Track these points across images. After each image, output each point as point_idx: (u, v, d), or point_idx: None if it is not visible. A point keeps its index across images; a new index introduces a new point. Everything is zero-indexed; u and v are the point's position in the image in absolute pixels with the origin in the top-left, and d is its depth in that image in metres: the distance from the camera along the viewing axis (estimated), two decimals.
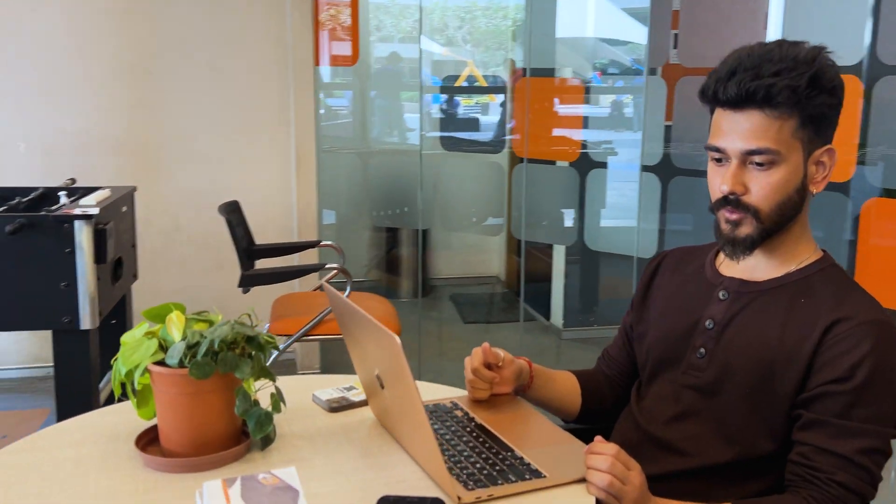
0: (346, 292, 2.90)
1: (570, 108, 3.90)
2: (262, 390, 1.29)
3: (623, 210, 3.87)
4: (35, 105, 3.54)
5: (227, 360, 1.16)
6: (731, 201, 1.27)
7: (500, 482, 1.13)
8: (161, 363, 1.18)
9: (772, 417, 1.26)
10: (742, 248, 1.29)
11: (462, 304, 4.97)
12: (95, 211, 2.47)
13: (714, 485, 1.30)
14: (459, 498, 1.09)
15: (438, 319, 4.75)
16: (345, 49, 3.94)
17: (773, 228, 1.29)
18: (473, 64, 5.59)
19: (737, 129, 1.24)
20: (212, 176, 3.75)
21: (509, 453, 1.22)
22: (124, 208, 2.90)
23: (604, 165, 3.95)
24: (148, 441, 1.24)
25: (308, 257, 3.74)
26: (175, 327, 1.20)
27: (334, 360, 3.98)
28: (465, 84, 5.48)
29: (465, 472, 1.16)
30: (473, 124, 5.47)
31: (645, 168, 3.45)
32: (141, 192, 3.62)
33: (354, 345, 1.31)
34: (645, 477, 1.15)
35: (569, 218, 3.84)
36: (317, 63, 3.82)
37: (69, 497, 1.11)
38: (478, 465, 1.18)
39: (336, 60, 3.98)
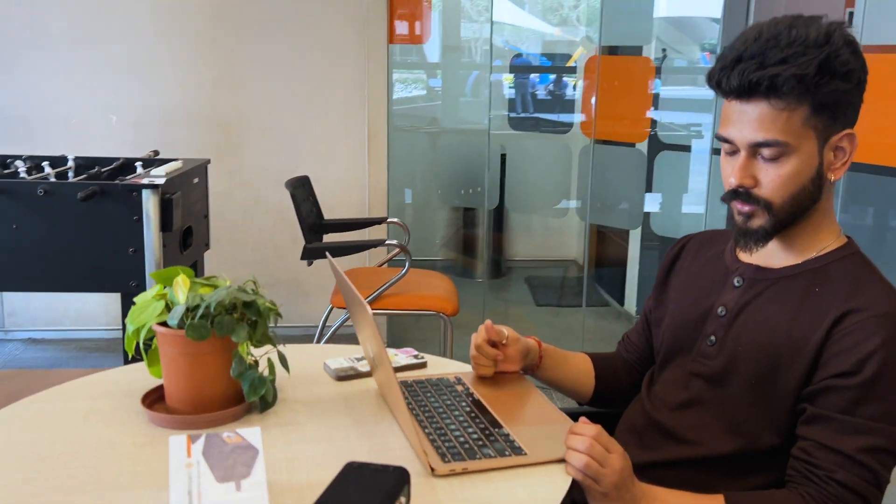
0: (405, 270, 2.93)
1: (651, 89, 3.80)
2: (267, 355, 1.33)
3: (694, 195, 3.76)
4: (126, 81, 3.71)
5: (224, 323, 1.20)
6: (741, 194, 1.23)
7: (478, 456, 1.13)
8: (164, 324, 1.23)
9: (776, 410, 1.21)
10: (755, 239, 1.25)
11: (536, 286, 4.94)
12: (161, 181, 2.58)
13: (716, 475, 1.26)
14: (433, 469, 1.10)
15: (510, 300, 4.74)
16: (417, 28, 3.96)
17: (787, 220, 1.23)
18: (586, 43, 5.48)
19: (744, 120, 1.18)
20: (289, 152, 3.85)
21: (497, 429, 1.22)
22: (196, 180, 3.01)
23: (679, 148, 3.84)
24: (155, 399, 1.30)
25: (378, 234, 3.80)
26: (180, 290, 1.25)
27: (401, 335, 4.04)
28: (573, 65, 5.40)
29: (446, 444, 1.16)
30: (552, 104, 5.41)
31: (716, 152, 3.34)
32: (221, 166, 3.76)
33: (354, 318, 1.33)
34: (629, 461, 1.13)
35: (639, 201, 3.76)
36: (391, 41, 3.86)
37: (71, 447, 1.17)
38: (461, 440, 1.18)
39: (408, 39, 4.01)
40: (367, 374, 1.44)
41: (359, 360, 1.49)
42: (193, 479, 0.91)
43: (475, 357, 1.41)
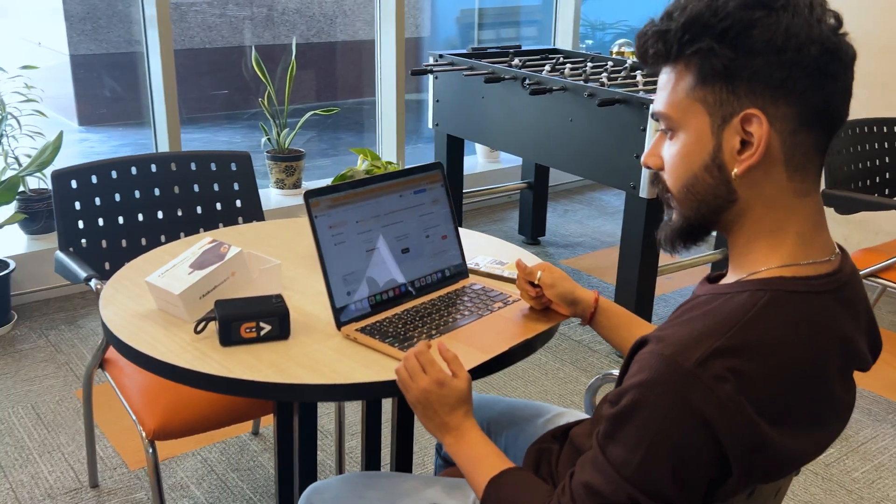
0: None
1: None
2: None
3: None
4: None
5: None
6: (659, 179, 1.06)
7: (376, 337, 1.36)
8: None
9: None
10: (663, 236, 1.06)
11: None
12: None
13: None
14: (340, 328, 1.39)
15: None
16: None
17: (693, 218, 1.02)
18: None
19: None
20: None
21: (428, 334, 1.38)
22: None
23: None
24: None
25: None
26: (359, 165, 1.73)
27: None
28: None
29: (384, 325, 1.41)
30: None
31: None
32: None
33: None
34: (451, 391, 1.19)
35: None
36: None
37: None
38: (396, 325, 1.41)
39: None
40: (509, 280, 1.65)
41: (501, 263, 1.71)
42: (182, 260, 1.48)
43: (518, 285, 1.49)
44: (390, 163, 1.70)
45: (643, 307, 3.03)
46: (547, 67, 3.40)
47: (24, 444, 2.45)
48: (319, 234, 1.38)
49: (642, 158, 1.07)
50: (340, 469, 2.19)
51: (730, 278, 1.03)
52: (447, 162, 3.72)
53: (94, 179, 2.13)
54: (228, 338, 1.35)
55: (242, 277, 1.50)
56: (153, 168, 2.23)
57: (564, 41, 4.96)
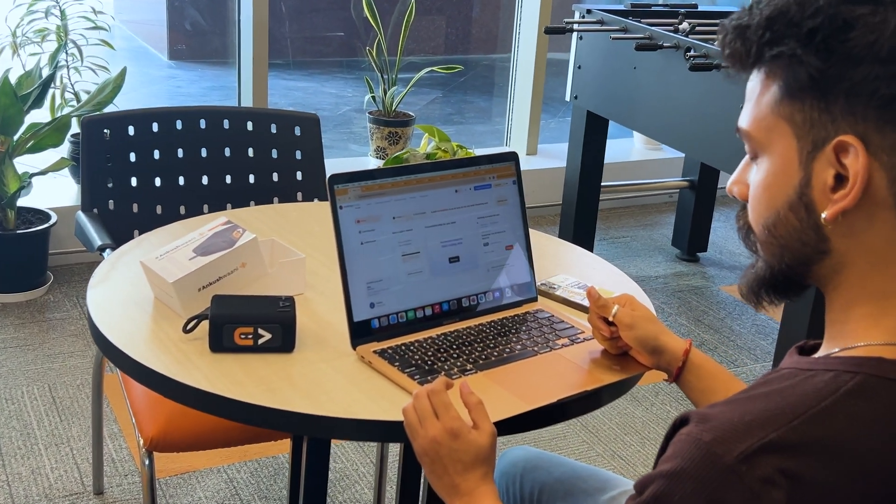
0: None
1: None
2: None
3: None
4: None
5: None
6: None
7: (395, 364, 1.37)
8: None
9: None
10: (745, 287, 1.03)
11: None
12: None
13: None
14: (356, 348, 1.41)
15: None
16: None
17: (777, 268, 0.98)
18: None
19: None
20: None
21: (461, 368, 1.37)
22: None
23: None
24: None
25: None
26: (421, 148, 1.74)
27: None
28: None
29: (410, 350, 1.42)
30: None
31: None
32: None
33: None
34: (468, 446, 1.18)
35: None
36: None
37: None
38: (424, 352, 1.41)
39: None
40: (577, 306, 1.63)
41: (580, 287, 1.68)
42: (188, 241, 1.53)
43: (590, 320, 1.46)
44: (462, 147, 1.70)
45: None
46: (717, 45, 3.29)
47: (31, 430, 2.62)
48: (343, 230, 1.41)
49: (727, 184, 1.03)
50: None
51: (822, 351, 0.98)
52: (584, 145, 3.67)
53: (130, 131, 2.25)
54: (219, 343, 1.39)
55: (255, 270, 1.54)
56: (202, 124, 2.32)
57: None
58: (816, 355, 0.98)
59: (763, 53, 0.92)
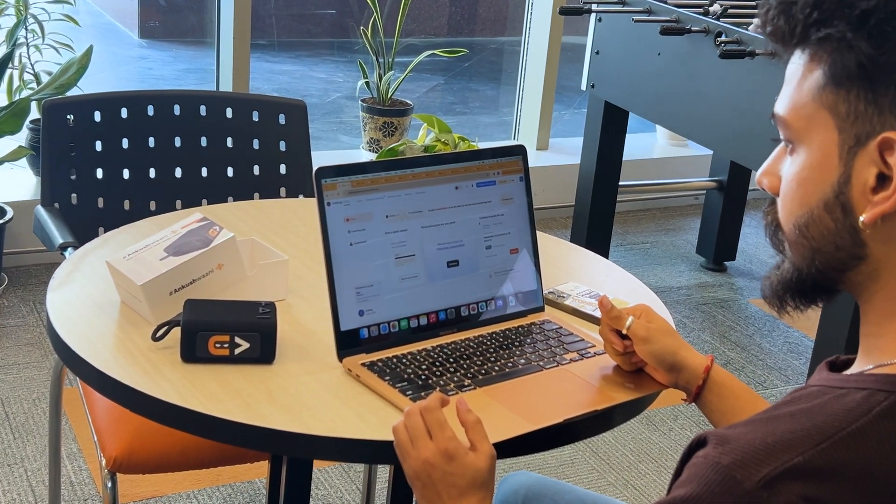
0: None
1: None
2: None
3: None
4: None
5: None
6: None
7: (386, 378, 1.38)
8: None
9: None
10: (768, 289, 1.04)
11: None
12: None
13: None
14: (342, 359, 1.43)
15: None
16: None
17: (805, 271, 0.99)
18: None
19: None
20: None
21: (458, 383, 1.39)
22: None
23: None
24: None
25: None
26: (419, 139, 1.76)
27: None
28: None
29: (402, 363, 1.43)
30: None
31: None
32: None
33: None
34: (458, 470, 1.20)
35: None
36: None
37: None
38: (418, 365, 1.42)
39: None
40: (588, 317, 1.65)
41: (592, 296, 1.69)
42: (159, 240, 1.55)
43: (601, 332, 1.47)
44: (464, 139, 1.71)
45: None
46: (757, 21, 3.31)
47: None
48: (331, 229, 1.42)
49: (757, 175, 1.05)
50: None
51: (856, 367, 0.99)
52: (601, 140, 3.69)
53: (96, 117, 2.26)
54: (192, 352, 1.41)
55: (233, 272, 1.56)
56: (176, 110, 2.34)
57: None
58: (848, 371, 1.00)
59: (809, 34, 0.93)
